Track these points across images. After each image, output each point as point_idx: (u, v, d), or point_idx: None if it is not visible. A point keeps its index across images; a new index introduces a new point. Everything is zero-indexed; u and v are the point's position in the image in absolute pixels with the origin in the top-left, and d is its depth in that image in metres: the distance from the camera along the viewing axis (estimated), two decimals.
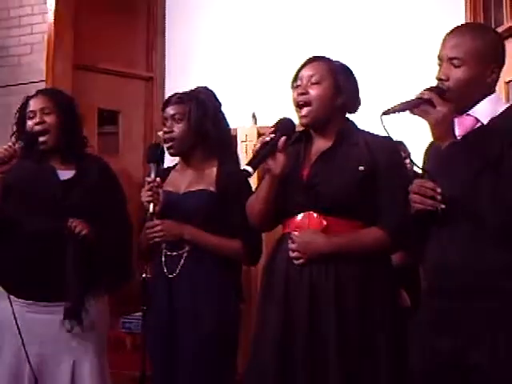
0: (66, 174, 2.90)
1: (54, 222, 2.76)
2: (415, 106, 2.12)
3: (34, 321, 2.78)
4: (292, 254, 2.46)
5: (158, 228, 2.80)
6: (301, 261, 2.44)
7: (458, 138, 2.15)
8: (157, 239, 2.81)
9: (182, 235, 2.81)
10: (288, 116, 2.54)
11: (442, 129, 2.11)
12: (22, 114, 2.95)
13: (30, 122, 2.90)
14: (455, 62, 2.17)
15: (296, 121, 2.56)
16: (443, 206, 2.06)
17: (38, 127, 2.87)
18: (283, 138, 2.44)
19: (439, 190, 2.06)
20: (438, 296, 2.17)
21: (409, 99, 2.14)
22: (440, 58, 2.22)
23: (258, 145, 2.46)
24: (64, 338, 2.80)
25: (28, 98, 2.97)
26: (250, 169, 2.40)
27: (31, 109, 2.92)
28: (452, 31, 2.25)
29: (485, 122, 2.17)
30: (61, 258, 2.75)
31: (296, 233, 2.47)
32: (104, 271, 2.85)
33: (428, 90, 2.15)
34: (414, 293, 3.40)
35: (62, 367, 2.82)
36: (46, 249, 2.77)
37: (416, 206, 2.12)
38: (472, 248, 2.09)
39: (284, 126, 2.49)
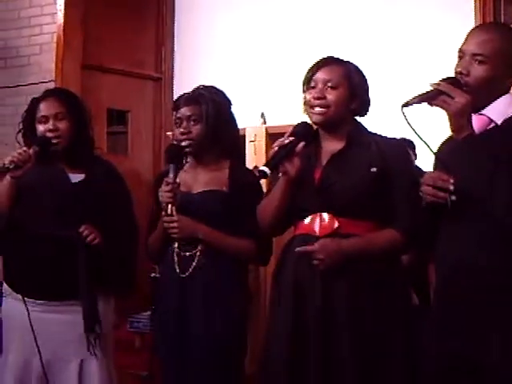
0: (75, 178, 2.90)
1: (65, 224, 2.77)
2: (434, 97, 2.11)
3: (42, 320, 2.78)
4: (315, 262, 2.43)
5: (175, 224, 2.80)
6: (322, 267, 2.42)
7: None
8: (172, 235, 2.81)
9: (196, 234, 2.81)
10: (305, 120, 2.54)
11: (460, 120, 2.09)
12: (31, 115, 2.92)
13: (41, 127, 2.87)
14: (479, 58, 2.15)
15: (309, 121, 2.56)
16: (454, 198, 2.04)
17: (50, 134, 2.84)
18: (302, 144, 2.44)
19: (452, 181, 2.04)
20: (452, 294, 2.15)
21: (427, 90, 2.13)
22: (463, 51, 2.20)
23: (276, 147, 2.45)
24: (72, 337, 2.81)
25: (37, 100, 2.93)
26: (267, 169, 2.40)
27: (43, 114, 2.87)
28: (479, 27, 2.25)
29: (498, 122, 2.16)
30: (70, 258, 2.76)
31: (316, 244, 2.44)
32: (110, 274, 2.85)
33: (444, 80, 2.13)
34: (422, 292, 3.40)
35: (69, 367, 2.83)
36: (54, 249, 2.77)
37: (428, 198, 2.11)
38: (487, 245, 2.07)
39: (303, 130, 2.50)
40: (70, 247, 2.76)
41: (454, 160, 2.12)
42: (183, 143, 2.89)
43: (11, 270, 2.88)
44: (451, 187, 2.04)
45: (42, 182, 2.83)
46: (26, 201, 2.80)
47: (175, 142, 2.95)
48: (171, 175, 2.81)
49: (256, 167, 4.48)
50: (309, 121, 2.56)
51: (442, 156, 2.21)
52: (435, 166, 2.26)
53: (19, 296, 2.79)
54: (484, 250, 2.08)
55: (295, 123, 2.54)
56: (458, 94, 2.09)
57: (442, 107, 2.10)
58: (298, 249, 2.47)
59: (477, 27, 2.25)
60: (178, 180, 2.82)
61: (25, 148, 2.77)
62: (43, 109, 2.89)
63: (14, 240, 2.83)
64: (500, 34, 2.20)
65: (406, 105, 2.11)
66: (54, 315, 2.82)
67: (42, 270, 2.78)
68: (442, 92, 2.10)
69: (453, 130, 2.13)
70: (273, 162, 2.44)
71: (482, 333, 2.06)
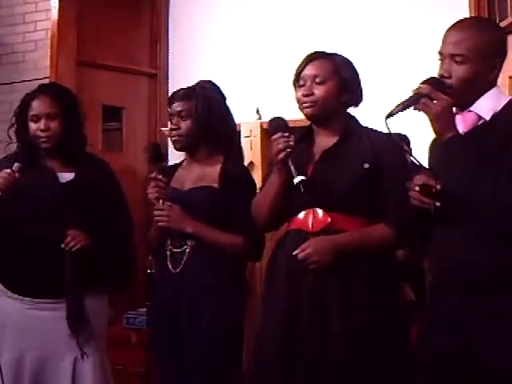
0: (65, 177, 2.88)
1: (55, 224, 2.76)
2: (415, 102, 2.10)
3: (35, 317, 2.79)
4: (303, 257, 2.43)
5: (164, 213, 2.79)
6: (313, 266, 2.43)
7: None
8: (161, 223, 2.81)
9: (185, 227, 2.80)
10: (276, 116, 2.56)
11: (442, 122, 2.08)
12: (24, 112, 2.89)
13: (33, 126, 2.84)
14: (458, 58, 2.15)
15: (297, 115, 2.57)
16: (438, 204, 2.04)
17: (42, 134, 2.82)
18: (293, 137, 2.46)
19: (439, 187, 2.04)
20: (445, 293, 2.16)
21: (407, 97, 2.12)
22: (441, 53, 2.20)
23: (285, 150, 2.44)
24: (65, 334, 2.80)
25: (31, 96, 2.90)
26: (303, 177, 2.40)
27: (35, 112, 2.85)
28: (453, 26, 2.22)
29: (487, 118, 2.15)
30: (60, 255, 2.76)
31: (309, 248, 2.45)
32: (105, 271, 2.85)
33: (425, 83, 2.13)
34: (418, 287, 3.40)
35: (63, 364, 2.82)
36: (46, 247, 2.77)
37: (413, 203, 2.11)
38: (478, 245, 2.07)
39: (284, 124, 2.51)
40: (60, 246, 2.76)
41: (440, 162, 2.12)
42: (172, 139, 2.91)
43: (3, 268, 2.87)
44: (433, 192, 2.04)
45: (30, 183, 2.80)
46: (16, 202, 2.77)
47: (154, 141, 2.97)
48: (154, 173, 2.84)
49: (252, 162, 4.50)
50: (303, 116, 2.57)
51: (430, 159, 2.21)
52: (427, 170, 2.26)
53: (10, 293, 2.80)
54: (479, 249, 2.07)
55: (290, 118, 2.55)
56: (439, 95, 2.08)
57: (423, 111, 2.09)
58: (296, 254, 2.45)
59: (451, 27, 2.22)
60: (160, 176, 2.83)
61: (8, 171, 2.72)
62: (35, 107, 2.86)
63: (5, 239, 2.81)
64: (474, 29, 2.18)
65: (390, 115, 2.10)
66: (46, 312, 2.81)
67: (33, 268, 2.77)
68: (423, 95, 2.09)
69: (436, 133, 2.12)
70: (296, 168, 2.43)
71: (478, 331, 2.06)
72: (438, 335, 2.15)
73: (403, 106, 2.11)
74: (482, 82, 2.18)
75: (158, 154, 2.92)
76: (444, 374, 2.13)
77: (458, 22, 2.23)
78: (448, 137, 2.08)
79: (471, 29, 2.19)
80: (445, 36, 2.21)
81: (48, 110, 2.85)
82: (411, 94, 2.12)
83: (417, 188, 2.08)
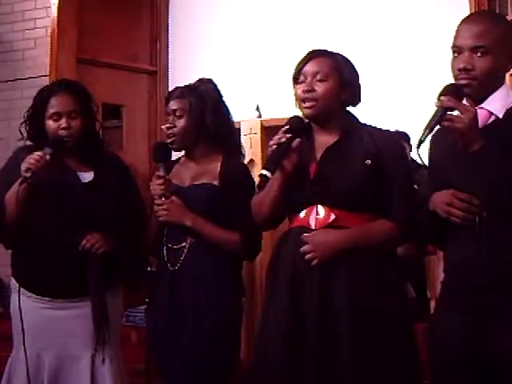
0: (85, 177, 2.86)
1: (77, 225, 2.75)
2: (441, 119, 2.03)
3: (51, 317, 2.78)
4: (307, 256, 2.42)
5: (164, 206, 2.80)
6: (316, 261, 2.41)
7: None
8: (161, 218, 2.81)
9: (185, 221, 2.80)
10: (298, 114, 2.53)
11: (471, 134, 2.02)
12: (41, 109, 2.82)
13: (53, 124, 2.78)
14: (481, 50, 2.11)
15: (297, 113, 2.56)
16: (485, 214, 2.02)
17: (64, 132, 2.78)
18: (298, 140, 2.43)
19: (476, 203, 2.03)
20: (468, 293, 2.13)
21: (431, 115, 2.06)
22: (459, 47, 2.15)
23: (273, 146, 2.42)
24: (82, 332, 2.80)
25: (49, 93, 2.83)
26: (268, 173, 2.37)
27: (56, 110, 2.78)
28: (470, 19, 2.19)
29: (500, 115, 2.13)
30: (80, 256, 2.75)
31: (306, 234, 2.45)
32: (122, 270, 2.86)
33: (444, 93, 2.08)
34: (418, 284, 3.41)
35: (81, 362, 2.81)
36: (65, 248, 2.76)
37: (452, 219, 2.09)
38: (503, 246, 2.06)
39: (297, 125, 2.48)
40: (79, 247, 2.77)
41: (468, 171, 2.06)
42: (168, 139, 2.91)
43: (21, 268, 2.85)
44: (474, 209, 2.04)
45: (52, 184, 2.76)
46: (38, 203, 2.73)
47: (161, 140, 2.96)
48: (162, 171, 2.84)
49: (252, 160, 4.51)
50: (301, 115, 2.56)
51: (433, 155, 2.19)
52: (431, 165, 2.24)
53: (27, 292, 2.78)
54: (504, 250, 2.06)
55: (290, 116, 2.54)
56: (464, 107, 2.04)
57: (451, 128, 2.03)
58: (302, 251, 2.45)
59: (467, 20, 2.18)
60: (168, 176, 2.84)
61: (39, 153, 2.67)
62: (56, 104, 2.79)
63: (25, 238, 2.79)
64: (493, 21, 2.16)
65: (420, 143, 2.03)
66: (63, 312, 2.80)
67: (51, 268, 2.76)
68: (446, 109, 2.03)
69: (465, 145, 2.04)
70: (273, 163, 2.40)
71: (501, 331, 2.05)
72: (457, 335, 2.13)
73: (431, 127, 2.05)
74: (499, 76, 2.16)
75: (164, 153, 2.91)
76: (461, 374, 2.13)
77: (472, 15, 2.21)
78: (476, 148, 2.02)
79: (490, 21, 2.16)
80: (460, 30, 2.17)
81: (69, 108, 2.79)
82: (435, 109, 2.05)
83: (449, 202, 2.07)
